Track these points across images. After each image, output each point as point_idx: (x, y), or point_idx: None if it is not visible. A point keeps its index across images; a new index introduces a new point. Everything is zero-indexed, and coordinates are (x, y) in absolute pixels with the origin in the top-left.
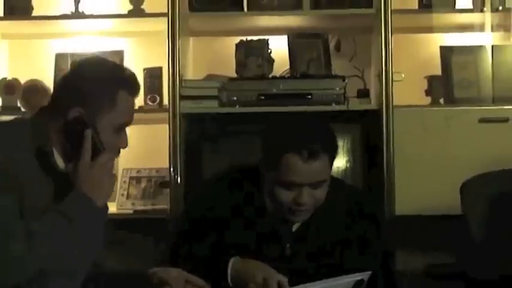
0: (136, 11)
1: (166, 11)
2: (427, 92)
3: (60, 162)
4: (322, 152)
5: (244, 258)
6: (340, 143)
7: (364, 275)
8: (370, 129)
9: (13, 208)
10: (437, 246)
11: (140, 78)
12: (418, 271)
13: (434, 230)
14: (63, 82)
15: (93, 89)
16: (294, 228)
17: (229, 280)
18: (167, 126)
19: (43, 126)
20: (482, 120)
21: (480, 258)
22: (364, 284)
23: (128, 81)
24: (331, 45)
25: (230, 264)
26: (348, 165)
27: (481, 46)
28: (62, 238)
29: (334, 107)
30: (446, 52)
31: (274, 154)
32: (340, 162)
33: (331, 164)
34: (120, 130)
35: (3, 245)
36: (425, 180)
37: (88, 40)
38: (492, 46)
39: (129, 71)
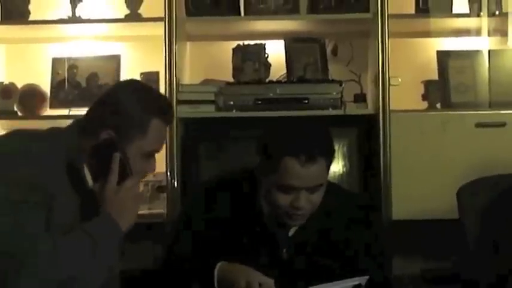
0: (133, 16)
1: (163, 15)
2: (424, 97)
3: (89, 178)
4: (320, 156)
5: (232, 262)
6: (337, 148)
7: (362, 280)
8: (367, 134)
9: (41, 221)
10: (434, 251)
11: None
12: (415, 275)
13: (431, 235)
14: (99, 102)
15: (126, 114)
16: (291, 232)
17: (215, 285)
18: None
19: (76, 141)
20: (479, 125)
21: (476, 262)
22: None
23: (163, 110)
24: (328, 49)
25: (217, 268)
26: (345, 169)
27: (477, 51)
28: (85, 256)
29: (331, 112)
30: (443, 57)
31: (272, 158)
32: (337, 167)
33: (328, 168)
34: (149, 156)
35: (27, 256)
36: (422, 184)
37: (85, 44)
38: (489, 51)
39: (165, 98)
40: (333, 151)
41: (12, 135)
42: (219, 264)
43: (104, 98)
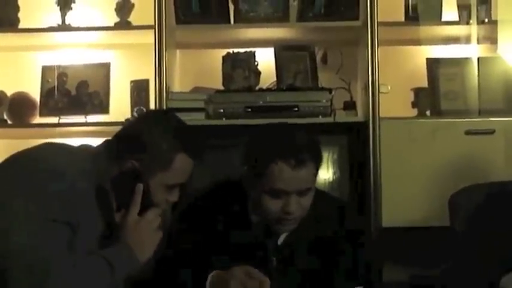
0: (123, 24)
1: (153, 23)
2: (414, 104)
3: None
4: (309, 160)
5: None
6: (327, 155)
7: None
8: (356, 141)
9: (65, 240)
10: (424, 258)
11: (127, 91)
12: (404, 282)
13: (421, 242)
14: (128, 128)
15: (151, 148)
16: (280, 241)
17: None
18: None
19: (105, 163)
20: (469, 132)
21: (466, 270)
22: None
23: (190, 144)
24: (318, 57)
25: (209, 279)
26: (335, 177)
27: (467, 58)
28: (102, 282)
29: (321, 119)
30: (433, 64)
31: (261, 163)
32: (327, 174)
33: (317, 172)
34: (172, 188)
35: (48, 275)
36: (412, 192)
37: (75, 52)
38: (478, 58)
39: (193, 132)
40: (321, 155)
41: (46, 150)
42: (211, 275)
43: (132, 126)
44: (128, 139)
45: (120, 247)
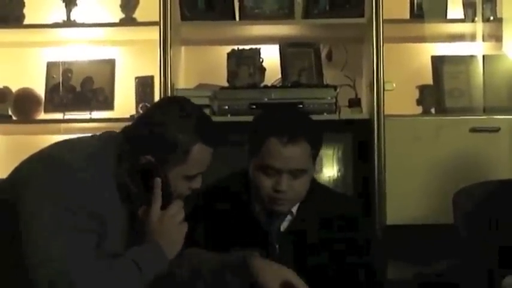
0: (128, 20)
1: (158, 19)
2: (418, 102)
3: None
4: (303, 139)
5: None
6: (332, 152)
7: None
8: (361, 139)
9: (93, 247)
10: (428, 256)
11: (132, 87)
12: (408, 280)
13: (425, 240)
14: (141, 121)
15: (166, 139)
16: (282, 228)
17: None
18: None
19: (126, 156)
20: (473, 130)
21: (471, 268)
22: None
23: (207, 133)
24: (323, 54)
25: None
26: (339, 174)
27: (472, 56)
28: (131, 284)
29: (326, 116)
30: (438, 62)
31: (256, 139)
32: (332, 171)
33: (314, 156)
34: (193, 177)
35: (76, 284)
36: (416, 189)
37: (80, 49)
38: (483, 56)
39: (209, 119)
40: (320, 139)
41: (65, 149)
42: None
43: (145, 118)
44: (141, 131)
45: (148, 246)
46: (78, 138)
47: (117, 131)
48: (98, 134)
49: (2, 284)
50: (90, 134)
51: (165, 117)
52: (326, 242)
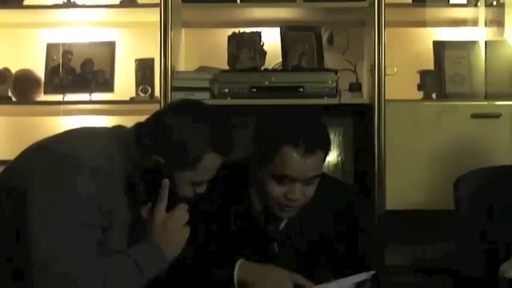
0: (129, 2)
1: (158, 1)
2: (420, 87)
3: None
4: (319, 148)
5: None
6: (332, 137)
7: (368, 275)
8: (361, 123)
9: (96, 242)
10: (427, 241)
11: (132, 69)
12: (408, 265)
13: (425, 225)
14: (156, 120)
15: (179, 146)
16: (281, 226)
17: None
18: None
19: (135, 154)
20: (475, 116)
21: (470, 253)
22: (368, 284)
23: (220, 143)
24: (324, 38)
25: (236, 269)
26: (339, 159)
27: (474, 41)
28: (130, 282)
29: (326, 100)
30: (439, 47)
31: (270, 146)
32: (331, 156)
33: (324, 160)
34: (199, 183)
35: (73, 282)
36: (417, 174)
37: (80, 30)
38: (485, 41)
39: (223, 129)
40: (330, 143)
41: (74, 140)
42: (238, 264)
43: (159, 118)
44: (156, 134)
45: (149, 246)
46: (89, 129)
47: (129, 126)
48: (109, 126)
49: (6, 275)
50: (99, 125)
51: (180, 122)
52: (326, 235)
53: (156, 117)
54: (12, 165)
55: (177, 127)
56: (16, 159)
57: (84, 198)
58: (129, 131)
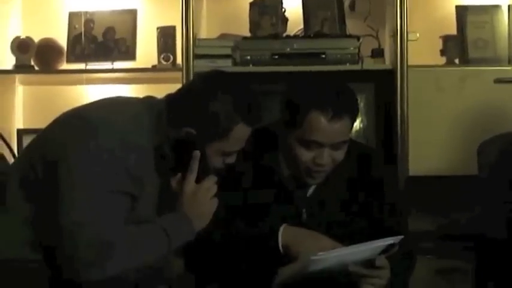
0: None
1: None
2: (442, 52)
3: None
4: (346, 112)
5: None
6: None
7: (396, 239)
8: (384, 89)
9: (127, 211)
10: (451, 207)
11: (153, 37)
12: (431, 231)
13: (448, 191)
14: (188, 92)
15: (210, 117)
16: (309, 192)
17: (280, 250)
18: (180, 85)
19: (166, 124)
20: (498, 81)
21: (494, 217)
22: (395, 248)
23: (250, 114)
24: (346, 4)
25: (280, 232)
26: (362, 125)
27: (497, 6)
28: (159, 251)
29: (348, 67)
30: (462, 11)
31: (298, 111)
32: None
33: (352, 126)
34: (229, 154)
35: (106, 247)
36: (439, 140)
37: None
38: (509, 6)
39: (254, 99)
40: (357, 109)
41: (105, 109)
42: (282, 228)
43: (190, 89)
44: (187, 105)
45: (178, 216)
46: (121, 99)
47: (160, 97)
48: (139, 97)
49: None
50: (128, 95)
51: (210, 93)
52: (352, 200)
53: (187, 88)
54: (45, 133)
55: (207, 98)
56: (48, 126)
57: (116, 166)
58: (160, 102)
